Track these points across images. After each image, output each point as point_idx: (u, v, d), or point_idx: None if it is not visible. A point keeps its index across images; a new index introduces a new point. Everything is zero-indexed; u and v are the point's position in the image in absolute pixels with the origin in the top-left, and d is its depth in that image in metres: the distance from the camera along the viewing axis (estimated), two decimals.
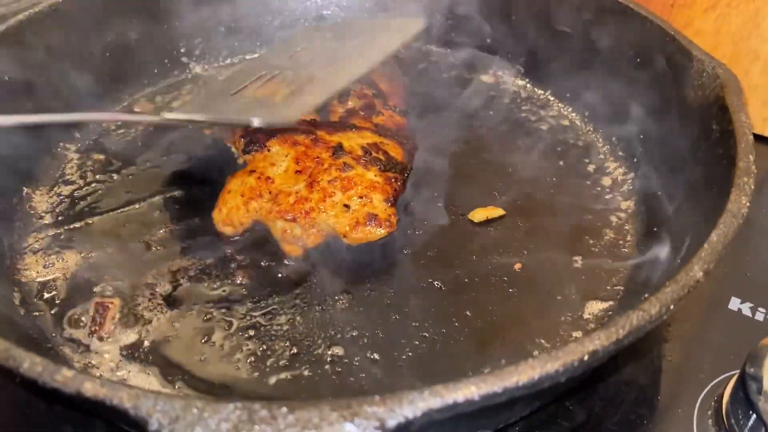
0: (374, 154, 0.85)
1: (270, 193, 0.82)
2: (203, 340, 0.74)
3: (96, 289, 0.79)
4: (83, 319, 0.76)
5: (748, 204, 0.65)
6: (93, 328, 0.75)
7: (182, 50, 1.14)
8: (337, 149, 0.84)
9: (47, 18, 0.96)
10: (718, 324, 0.80)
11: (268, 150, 0.85)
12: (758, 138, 1.06)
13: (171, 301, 0.78)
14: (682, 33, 0.91)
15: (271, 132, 0.86)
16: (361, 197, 0.81)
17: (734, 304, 0.82)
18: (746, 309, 0.81)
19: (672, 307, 0.56)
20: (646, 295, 0.58)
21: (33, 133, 0.93)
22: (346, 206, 0.80)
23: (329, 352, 0.72)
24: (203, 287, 0.79)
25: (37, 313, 0.76)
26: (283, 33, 1.21)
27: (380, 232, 0.80)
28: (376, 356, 0.72)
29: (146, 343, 0.73)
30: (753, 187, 0.67)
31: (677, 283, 0.57)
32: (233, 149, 0.91)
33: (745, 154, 0.70)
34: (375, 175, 0.83)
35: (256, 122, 0.76)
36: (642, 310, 0.55)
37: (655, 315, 0.55)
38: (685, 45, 0.88)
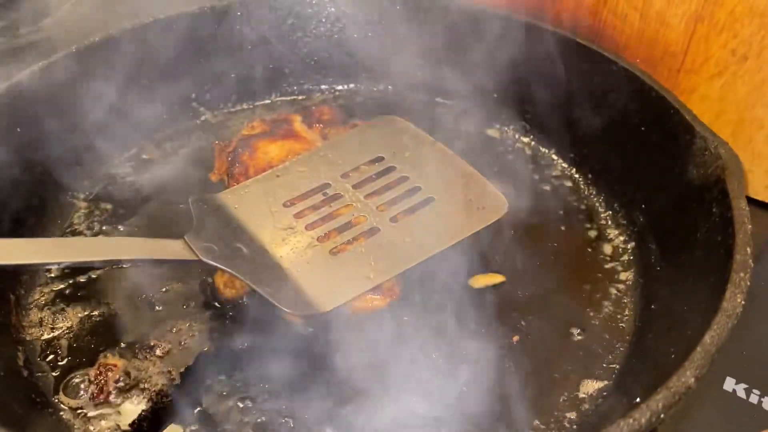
0: None
1: None
2: (199, 409, 0.75)
3: (98, 350, 0.80)
4: (85, 382, 0.77)
5: (743, 302, 0.66)
6: (94, 393, 0.76)
7: (192, 96, 1.16)
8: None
9: (54, 70, 0.97)
10: (712, 405, 0.81)
11: None
12: (761, 205, 1.07)
13: (171, 365, 0.79)
14: (686, 106, 0.92)
15: None
16: None
17: (729, 384, 0.82)
18: (741, 390, 0.82)
19: (662, 415, 0.57)
20: (638, 399, 0.59)
21: (43, 183, 0.95)
22: None
23: (326, 430, 0.73)
24: (203, 352, 0.81)
25: (39, 374, 0.78)
26: (293, 80, 1.22)
27: (382, 301, 0.81)
28: None
29: (145, 409, 0.75)
30: (749, 283, 0.68)
31: (669, 389, 0.58)
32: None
33: (742, 247, 0.71)
34: None
35: (287, 310, 0.75)
36: (632, 418, 0.56)
37: (645, 423, 0.56)
38: (689, 120, 0.89)
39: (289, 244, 0.81)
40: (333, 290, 0.77)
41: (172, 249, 0.76)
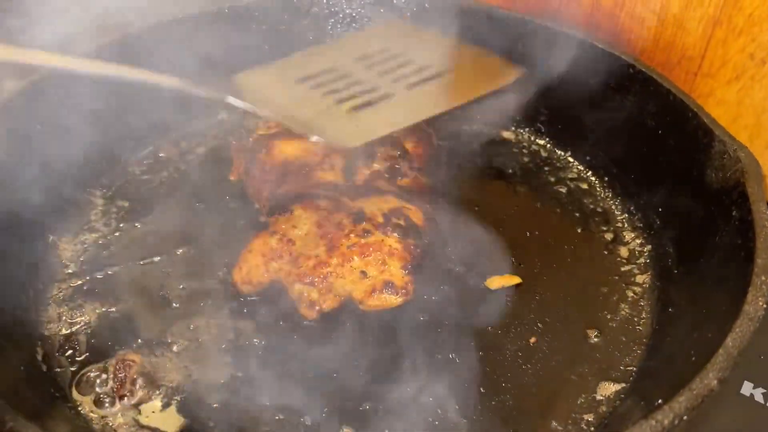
0: (395, 221, 0.86)
1: (290, 255, 0.84)
2: (216, 405, 0.75)
3: (116, 346, 0.80)
4: (103, 377, 0.77)
5: (765, 306, 0.66)
6: (113, 387, 0.76)
7: None
8: (358, 215, 0.85)
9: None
10: (730, 409, 0.80)
11: (292, 213, 0.86)
12: None
13: (189, 361, 0.79)
14: (704, 109, 0.92)
15: (295, 197, 0.87)
16: (378, 264, 0.82)
17: (747, 388, 0.82)
18: (758, 395, 0.81)
19: (685, 417, 0.57)
20: (660, 401, 0.59)
21: (61, 181, 0.96)
22: (363, 273, 0.82)
23: (344, 428, 0.73)
24: (220, 348, 0.81)
25: (58, 370, 0.78)
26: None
27: (396, 299, 0.81)
28: None
29: (163, 404, 0.75)
30: None
31: (691, 391, 0.58)
32: (257, 206, 0.93)
33: (764, 250, 0.71)
34: (394, 242, 0.84)
35: (314, 138, 0.76)
36: (655, 419, 0.56)
37: (668, 425, 0.56)
38: (708, 123, 0.89)
39: (310, 108, 0.81)
40: (357, 132, 0.78)
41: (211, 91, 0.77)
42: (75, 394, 0.75)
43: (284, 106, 0.80)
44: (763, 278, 0.68)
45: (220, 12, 1.12)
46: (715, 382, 0.59)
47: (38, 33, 1.29)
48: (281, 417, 0.74)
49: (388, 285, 0.81)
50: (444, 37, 0.97)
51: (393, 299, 0.81)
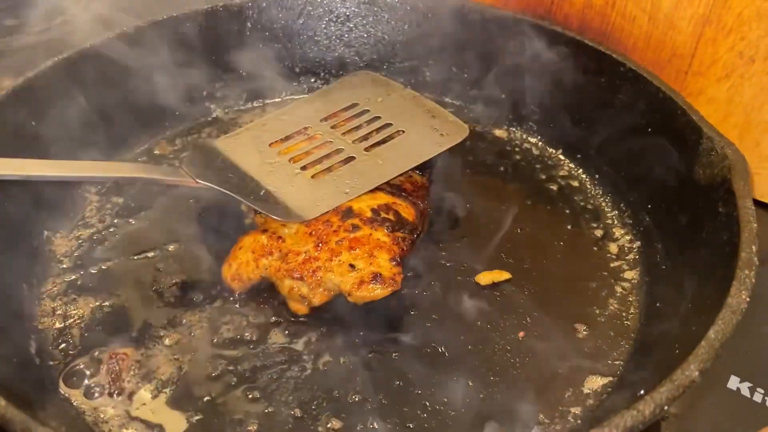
0: (384, 215, 0.87)
1: (280, 251, 0.84)
2: (207, 398, 0.76)
3: (109, 339, 0.81)
4: (96, 370, 0.78)
5: (747, 299, 0.66)
6: (106, 380, 0.77)
7: (203, 93, 1.17)
8: (346, 212, 0.86)
9: (69, 65, 0.99)
10: (716, 403, 0.81)
11: None
12: (767, 207, 1.07)
13: (180, 355, 0.80)
14: (693, 106, 0.93)
15: None
16: (366, 257, 0.83)
17: (733, 383, 0.83)
18: (745, 389, 0.82)
19: (666, 407, 0.57)
20: (642, 392, 0.60)
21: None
22: (352, 266, 0.82)
23: (332, 420, 0.74)
24: (211, 343, 0.82)
25: (51, 363, 0.79)
26: (304, 78, 1.23)
27: (384, 290, 0.82)
28: (376, 425, 0.73)
29: (154, 397, 0.76)
30: (754, 280, 0.68)
31: (672, 382, 0.59)
32: (243, 208, 0.94)
33: (748, 245, 0.72)
34: (383, 235, 0.85)
35: (275, 217, 0.85)
36: (636, 409, 0.57)
37: (649, 415, 0.57)
38: (696, 121, 0.90)
39: (275, 174, 0.91)
40: (315, 203, 0.87)
41: (170, 173, 0.88)
42: (67, 386, 0.76)
43: (256, 174, 0.90)
44: (747, 272, 0.68)
45: (214, 11, 1.13)
46: (697, 373, 0.60)
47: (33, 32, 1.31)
48: (271, 410, 0.75)
49: (376, 277, 0.81)
50: (405, 89, 1.07)
51: (381, 290, 0.82)
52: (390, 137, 0.96)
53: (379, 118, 1.00)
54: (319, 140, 0.96)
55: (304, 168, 0.91)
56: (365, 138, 0.97)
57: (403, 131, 0.97)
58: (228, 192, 0.86)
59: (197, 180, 0.86)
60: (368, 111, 1.01)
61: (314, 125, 0.99)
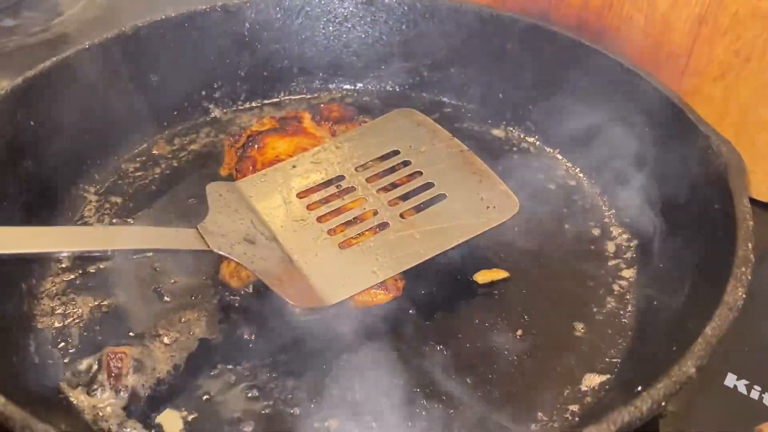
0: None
1: None
2: (206, 397, 0.76)
3: (108, 339, 0.81)
4: (95, 369, 0.78)
5: (744, 296, 0.67)
6: (105, 379, 0.77)
7: (202, 93, 1.17)
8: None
9: (68, 64, 0.99)
10: (714, 400, 0.81)
11: None
12: (764, 206, 1.08)
13: (178, 354, 0.80)
14: (689, 105, 0.93)
15: None
16: None
17: (730, 380, 0.83)
18: (742, 386, 0.82)
19: (663, 403, 0.58)
20: (639, 388, 0.60)
21: (55, 177, 0.97)
22: None
23: (331, 419, 0.74)
24: (210, 342, 0.82)
25: (50, 362, 0.79)
26: (302, 78, 1.23)
27: (386, 296, 0.82)
28: (374, 425, 0.73)
29: (153, 397, 0.76)
30: (750, 277, 0.69)
31: (670, 378, 0.59)
32: None
33: (744, 243, 0.72)
34: None
35: (292, 303, 0.78)
36: (634, 406, 0.57)
37: (647, 411, 0.57)
38: (693, 119, 0.90)
39: (299, 236, 0.83)
40: (338, 284, 0.79)
41: (185, 239, 0.77)
42: (66, 385, 0.76)
43: (280, 235, 0.81)
44: (743, 269, 0.69)
45: (212, 11, 1.13)
46: (693, 369, 0.60)
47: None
48: (269, 410, 0.75)
49: None
50: (453, 139, 0.95)
51: (383, 296, 0.82)
52: (431, 200, 0.87)
53: (420, 173, 0.90)
54: (351, 196, 0.87)
55: (331, 232, 0.83)
56: (403, 198, 0.88)
57: (446, 195, 0.87)
58: (248, 268, 0.77)
59: (213, 249, 0.77)
60: (410, 163, 0.91)
61: (348, 175, 0.89)
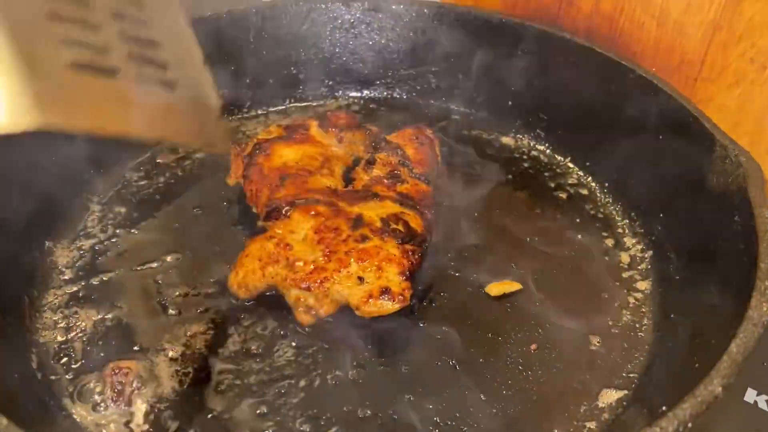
0: (393, 226, 0.85)
1: (287, 259, 0.83)
2: (211, 415, 0.74)
3: (112, 353, 0.79)
4: (98, 384, 0.76)
5: None
6: (108, 395, 0.75)
7: None
8: (357, 221, 0.85)
9: None
10: (734, 416, 0.80)
11: (289, 217, 0.86)
12: None
13: (184, 368, 0.78)
14: (705, 114, 0.91)
15: (292, 201, 0.86)
16: (375, 270, 0.81)
17: (750, 396, 0.81)
18: (762, 402, 0.80)
19: (690, 424, 0.56)
20: (664, 408, 0.58)
21: (58, 186, 0.95)
22: (360, 278, 0.81)
23: None
24: (216, 356, 0.80)
25: (53, 377, 0.77)
26: (308, 86, 1.22)
27: (393, 306, 0.80)
28: None
29: (156, 412, 0.74)
30: None
31: (695, 398, 0.57)
32: (255, 210, 0.92)
33: (767, 255, 0.70)
34: (392, 248, 0.83)
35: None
36: (659, 427, 0.55)
37: None
38: (709, 128, 0.88)
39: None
40: None
41: None
42: (69, 401, 0.74)
43: None
44: (767, 283, 0.67)
45: (218, 17, 1.11)
46: (720, 389, 0.58)
47: None
48: (276, 426, 0.73)
49: (385, 291, 0.80)
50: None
51: (390, 306, 0.80)
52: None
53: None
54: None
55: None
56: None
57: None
58: None
59: None
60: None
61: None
